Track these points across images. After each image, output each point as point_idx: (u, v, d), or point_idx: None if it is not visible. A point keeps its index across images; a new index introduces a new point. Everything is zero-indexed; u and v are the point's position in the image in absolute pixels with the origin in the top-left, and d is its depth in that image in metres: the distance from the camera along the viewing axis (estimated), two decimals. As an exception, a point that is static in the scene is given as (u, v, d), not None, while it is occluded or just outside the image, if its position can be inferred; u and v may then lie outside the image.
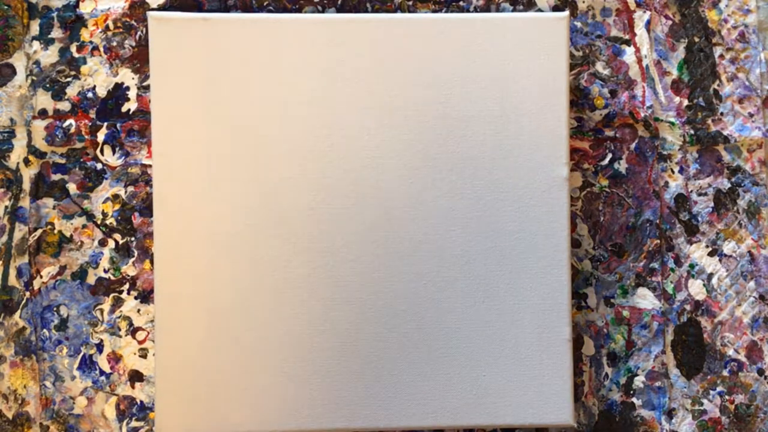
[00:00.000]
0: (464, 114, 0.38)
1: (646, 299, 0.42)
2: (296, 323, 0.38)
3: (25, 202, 0.41)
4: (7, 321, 0.41)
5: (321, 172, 0.38)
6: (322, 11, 0.42)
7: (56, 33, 0.42)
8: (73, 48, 0.42)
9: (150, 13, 0.38)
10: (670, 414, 0.42)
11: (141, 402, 0.41)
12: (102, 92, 0.42)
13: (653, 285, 0.42)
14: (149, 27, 0.38)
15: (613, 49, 0.43)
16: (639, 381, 0.42)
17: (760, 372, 0.42)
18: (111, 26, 0.42)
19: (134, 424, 0.41)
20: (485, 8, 0.43)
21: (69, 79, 0.42)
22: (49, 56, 0.42)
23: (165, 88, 0.38)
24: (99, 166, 0.41)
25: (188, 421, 0.37)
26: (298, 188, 0.38)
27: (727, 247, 0.43)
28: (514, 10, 0.42)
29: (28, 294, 0.41)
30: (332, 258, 0.38)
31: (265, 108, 0.38)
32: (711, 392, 0.42)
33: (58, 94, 0.42)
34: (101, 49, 0.42)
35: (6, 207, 0.41)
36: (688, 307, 0.42)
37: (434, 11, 0.42)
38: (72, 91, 0.42)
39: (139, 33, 0.42)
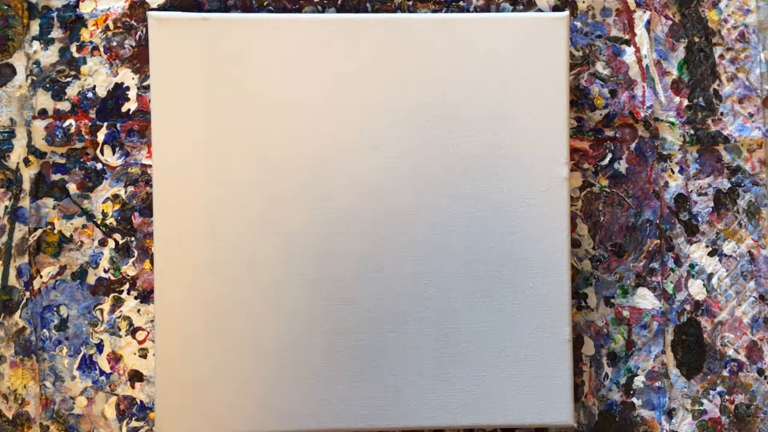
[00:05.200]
0: (464, 114, 0.38)
1: (646, 299, 0.42)
2: (296, 323, 0.38)
3: (25, 202, 0.41)
4: (7, 321, 0.41)
5: (320, 171, 0.38)
6: (322, 11, 0.42)
7: (56, 33, 0.42)
8: (73, 48, 0.42)
9: (150, 13, 0.38)
10: (670, 414, 0.42)
11: (141, 402, 0.41)
12: (102, 92, 0.42)
13: (653, 285, 0.42)
14: (149, 27, 0.38)
15: (613, 49, 0.43)
16: (639, 381, 0.42)
17: (760, 372, 0.42)
18: (111, 26, 0.42)
19: (134, 424, 0.41)
20: (485, 8, 0.43)
21: (69, 79, 0.42)
22: (49, 56, 0.42)
23: (165, 88, 0.38)
24: (99, 166, 0.41)
25: (188, 421, 0.37)
26: (298, 188, 0.38)
27: (727, 247, 0.43)
28: (514, 10, 0.42)
29: (28, 294, 0.41)
30: (332, 258, 0.38)
31: (264, 108, 0.38)
32: (711, 392, 0.42)
33: (58, 94, 0.42)
34: (101, 49, 0.42)
35: (6, 207, 0.41)
36: (688, 307, 0.42)
37: (434, 11, 0.42)
38: (72, 91, 0.42)
39: (139, 33, 0.42)
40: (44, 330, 0.41)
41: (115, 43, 0.42)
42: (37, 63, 0.42)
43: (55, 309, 0.41)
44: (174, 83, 0.38)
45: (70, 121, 0.41)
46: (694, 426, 0.42)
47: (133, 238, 0.41)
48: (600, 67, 0.43)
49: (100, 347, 0.41)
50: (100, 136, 0.41)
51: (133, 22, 0.42)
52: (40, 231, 0.41)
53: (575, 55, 0.43)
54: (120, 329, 0.41)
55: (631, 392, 0.42)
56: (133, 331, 0.41)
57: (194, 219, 0.38)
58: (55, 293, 0.41)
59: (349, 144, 0.38)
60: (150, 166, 0.41)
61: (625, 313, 0.42)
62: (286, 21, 0.38)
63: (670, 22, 0.43)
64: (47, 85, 0.42)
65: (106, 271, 0.41)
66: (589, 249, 0.42)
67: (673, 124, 0.43)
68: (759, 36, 0.43)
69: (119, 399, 0.41)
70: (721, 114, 0.43)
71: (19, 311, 0.41)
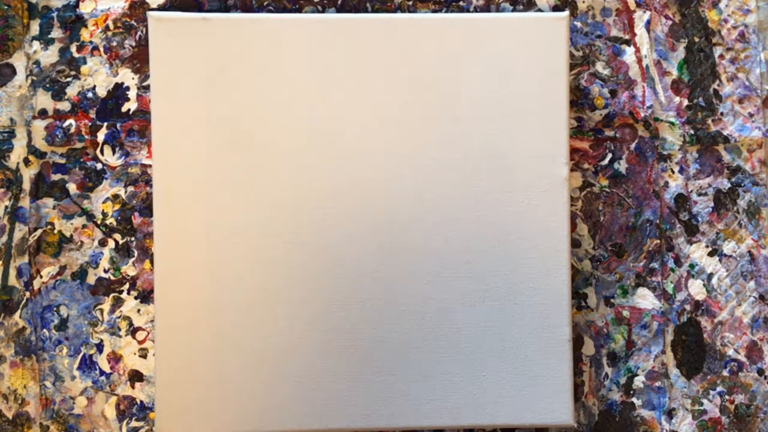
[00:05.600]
0: (464, 114, 0.38)
1: (646, 299, 0.42)
2: (296, 323, 0.38)
3: (25, 202, 0.41)
4: (7, 321, 0.41)
5: (321, 171, 0.38)
6: (322, 11, 0.42)
7: (56, 33, 0.42)
8: (73, 48, 0.42)
9: (150, 13, 0.38)
10: (670, 414, 0.42)
11: (141, 402, 0.41)
12: (102, 92, 0.42)
13: (653, 285, 0.42)
14: (149, 27, 0.38)
15: (613, 49, 0.43)
16: (639, 381, 0.42)
17: (760, 372, 0.42)
18: (111, 26, 0.42)
19: (134, 424, 0.41)
20: (485, 8, 0.43)
21: (69, 79, 0.42)
22: (49, 56, 0.42)
23: (165, 88, 0.38)
24: (99, 166, 0.41)
25: (188, 421, 0.37)
26: (298, 188, 0.38)
27: (727, 247, 0.43)
28: (514, 10, 0.42)
29: (28, 294, 0.41)
30: (332, 257, 0.38)
31: (265, 108, 0.38)
32: (711, 392, 0.42)
33: (58, 94, 0.42)
34: (101, 49, 0.42)
35: (6, 207, 0.41)
36: (688, 307, 0.42)
37: (434, 11, 0.42)
38: (72, 91, 0.42)
39: (139, 33, 0.42)
40: (44, 330, 0.41)
41: (115, 43, 0.42)
42: (37, 63, 0.42)
43: (55, 309, 0.41)
44: (174, 83, 0.38)
45: (70, 121, 0.41)
46: (694, 426, 0.42)
47: (133, 238, 0.41)
48: (600, 67, 0.43)
49: (100, 347, 0.41)
50: (100, 136, 0.41)
51: (133, 22, 0.42)
52: (40, 231, 0.41)
53: (575, 55, 0.43)
54: (120, 329, 0.41)
55: (631, 392, 0.42)
56: (133, 331, 0.41)
57: (194, 219, 0.38)
58: (55, 293, 0.41)
59: (348, 144, 0.38)
60: (150, 166, 0.41)
61: (625, 313, 0.42)
62: (286, 21, 0.38)
63: (670, 22, 0.43)
64: (47, 85, 0.42)
65: (106, 271, 0.41)
66: (589, 249, 0.42)
67: (673, 124, 0.43)
68: (759, 36, 0.43)
69: (119, 399, 0.41)
70: (721, 114, 0.43)
71: (19, 311, 0.41)
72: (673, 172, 0.43)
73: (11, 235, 0.41)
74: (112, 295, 0.41)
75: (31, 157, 0.41)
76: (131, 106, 0.42)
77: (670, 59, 0.43)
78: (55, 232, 0.41)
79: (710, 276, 0.42)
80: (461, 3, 0.43)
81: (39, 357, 0.41)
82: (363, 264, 0.38)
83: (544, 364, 0.38)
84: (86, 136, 0.41)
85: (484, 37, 0.38)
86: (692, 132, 0.43)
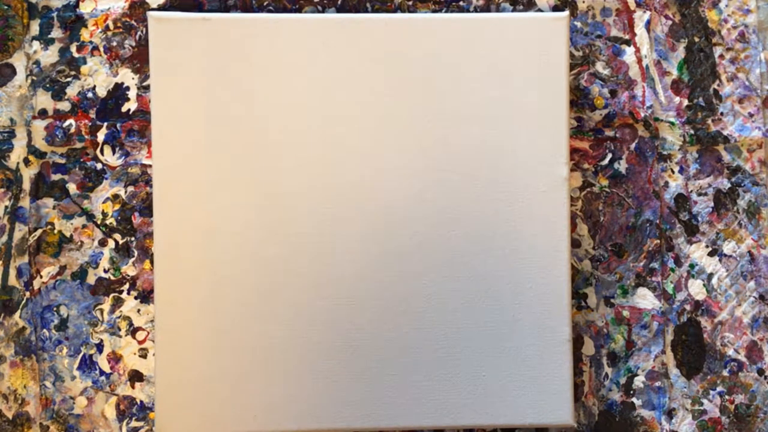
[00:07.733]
0: (464, 114, 0.38)
1: (646, 299, 0.42)
2: (296, 323, 0.38)
3: (25, 202, 0.41)
4: (7, 321, 0.41)
5: (321, 171, 0.38)
6: (322, 11, 0.42)
7: (56, 33, 0.42)
8: (73, 48, 0.42)
9: (150, 13, 0.38)
10: (670, 414, 0.42)
11: (141, 402, 0.41)
12: (102, 92, 0.42)
13: (653, 285, 0.42)
14: (149, 27, 0.38)
15: (613, 49, 0.43)
16: (639, 381, 0.42)
17: (760, 372, 0.42)
18: (111, 26, 0.42)
19: (134, 424, 0.41)
20: (485, 8, 0.43)
21: (69, 79, 0.42)
22: (49, 56, 0.42)
23: (165, 88, 0.38)
24: (99, 166, 0.41)
25: (188, 421, 0.37)
26: (298, 188, 0.38)
27: (727, 247, 0.43)
28: (514, 10, 0.42)
29: (28, 294, 0.41)
30: (332, 257, 0.38)
31: (264, 108, 0.38)
32: (711, 392, 0.42)
33: (58, 94, 0.42)
34: (101, 49, 0.42)
35: (6, 207, 0.41)
36: (688, 307, 0.42)
37: (434, 11, 0.42)
38: (72, 91, 0.42)
39: (139, 33, 0.42)
40: (44, 330, 0.41)
41: (115, 43, 0.42)
42: (37, 63, 0.42)
43: (55, 309, 0.41)
44: (174, 83, 0.38)
45: (70, 121, 0.41)
46: (694, 426, 0.42)
47: (133, 238, 0.41)
48: (600, 67, 0.43)
49: (100, 347, 0.41)
50: (100, 136, 0.41)
51: (133, 22, 0.42)
52: (40, 231, 0.41)
53: (575, 55, 0.43)
54: (120, 329, 0.41)
55: (631, 392, 0.42)
56: (133, 331, 0.41)
57: (194, 219, 0.38)
58: (55, 293, 0.41)
59: (348, 143, 0.38)
60: (150, 166, 0.41)
61: (625, 313, 0.42)
62: (286, 21, 0.38)
63: (670, 22, 0.43)
64: (47, 85, 0.42)
65: (106, 271, 0.41)
66: (589, 249, 0.42)
67: (673, 124, 0.43)
68: (759, 36, 0.43)
69: (119, 399, 0.41)
70: (721, 114, 0.43)
71: (19, 311, 0.41)
72: (673, 172, 0.43)
73: (11, 235, 0.41)
74: (112, 295, 0.41)
75: (31, 157, 0.41)
76: (131, 106, 0.42)
77: (670, 59, 0.43)
78: (55, 232, 0.41)
79: (710, 276, 0.42)
80: (461, 3, 0.43)
81: (39, 357, 0.41)
82: (363, 264, 0.38)
83: (544, 364, 0.38)
84: (86, 136, 0.41)
85: (484, 37, 0.38)
86: (692, 132, 0.43)
